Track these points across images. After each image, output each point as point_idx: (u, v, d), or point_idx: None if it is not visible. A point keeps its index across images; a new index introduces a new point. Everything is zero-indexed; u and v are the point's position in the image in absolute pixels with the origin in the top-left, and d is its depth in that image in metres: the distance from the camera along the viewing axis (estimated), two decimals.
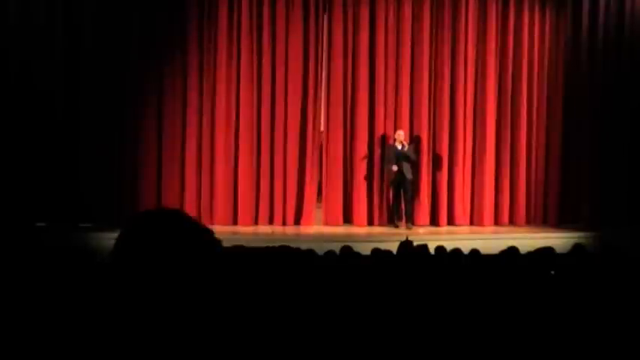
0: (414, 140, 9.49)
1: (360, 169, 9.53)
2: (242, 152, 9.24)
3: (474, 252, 4.91)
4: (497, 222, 9.71)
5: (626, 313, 3.01)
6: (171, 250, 1.36)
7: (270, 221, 9.26)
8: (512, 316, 3.01)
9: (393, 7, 9.58)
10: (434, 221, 9.61)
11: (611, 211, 9.66)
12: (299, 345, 1.36)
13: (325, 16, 9.55)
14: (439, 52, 9.67)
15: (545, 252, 4.49)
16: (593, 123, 9.76)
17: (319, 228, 9.23)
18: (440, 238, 8.14)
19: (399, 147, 9.07)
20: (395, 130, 9.32)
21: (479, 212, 9.69)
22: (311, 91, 9.41)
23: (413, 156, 9.17)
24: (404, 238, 5.49)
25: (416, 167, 9.37)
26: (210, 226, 1.49)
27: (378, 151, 9.54)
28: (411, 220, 9.17)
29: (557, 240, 7.77)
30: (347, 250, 4.84)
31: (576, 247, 4.93)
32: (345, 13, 9.50)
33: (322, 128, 9.56)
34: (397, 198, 9.28)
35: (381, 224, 9.47)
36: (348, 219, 9.50)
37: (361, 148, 9.53)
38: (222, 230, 7.96)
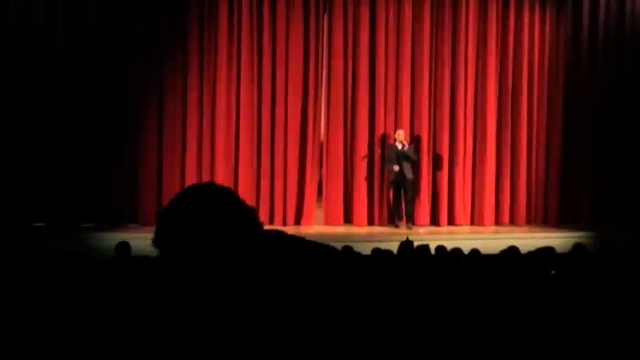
0: (415, 140, 9.49)
1: (361, 168, 9.53)
2: (242, 152, 9.24)
3: (475, 252, 4.91)
4: (497, 222, 9.71)
5: (626, 313, 3.01)
6: (215, 224, 1.36)
7: (271, 221, 9.25)
8: (512, 316, 3.01)
9: (393, 7, 9.58)
10: (434, 221, 9.61)
11: (611, 211, 9.66)
12: (299, 345, 1.36)
13: (325, 16, 9.55)
14: (439, 52, 9.67)
15: (546, 252, 4.49)
16: (594, 122, 9.75)
17: (319, 228, 9.23)
18: (440, 238, 8.13)
19: (400, 147, 9.07)
20: (395, 130, 9.32)
21: (479, 212, 9.69)
22: (311, 91, 9.41)
23: (413, 156, 9.17)
24: (404, 238, 5.49)
25: (416, 167, 9.37)
26: None
27: (378, 151, 9.53)
28: (411, 220, 9.17)
29: (558, 240, 7.77)
30: (347, 250, 4.84)
31: (576, 247, 4.93)
32: (345, 13, 9.50)
33: (322, 128, 9.56)
34: (397, 198, 9.27)
35: (381, 224, 9.47)
36: (348, 219, 9.50)
37: (361, 147, 9.53)
38: None
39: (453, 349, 2.73)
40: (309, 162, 9.40)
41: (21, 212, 8.45)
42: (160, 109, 9.10)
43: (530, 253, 4.52)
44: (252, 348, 1.34)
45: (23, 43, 8.62)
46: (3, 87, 8.57)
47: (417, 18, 9.63)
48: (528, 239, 8.01)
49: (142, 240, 6.84)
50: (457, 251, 4.77)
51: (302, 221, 9.34)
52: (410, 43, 9.60)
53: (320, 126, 9.53)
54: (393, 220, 9.36)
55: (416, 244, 5.19)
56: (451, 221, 9.63)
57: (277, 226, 9.12)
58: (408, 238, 5.53)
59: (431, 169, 9.67)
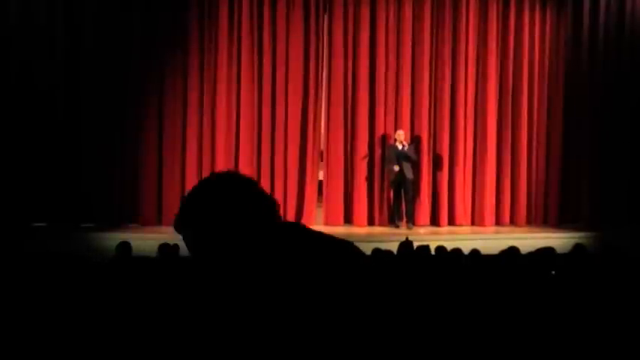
0: (415, 140, 9.49)
1: (361, 168, 9.53)
2: (242, 152, 9.24)
3: (475, 252, 4.91)
4: (497, 222, 9.70)
5: (626, 313, 3.01)
6: (233, 212, 1.37)
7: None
8: (512, 317, 3.01)
9: (393, 7, 9.58)
10: (434, 221, 9.61)
11: (611, 211, 9.66)
12: (298, 345, 1.36)
13: (326, 16, 9.55)
14: (440, 52, 9.66)
15: (546, 252, 4.49)
16: (594, 122, 9.75)
17: (319, 228, 9.19)
18: (440, 238, 8.14)
19: (400, 147, 9.06)
20: (395, 130, 9.32)
21: (480, 212, 9.69)
22: (311, 91, 9.41)
23: (413, 156, 9.16)
24: (404, 239, 5.49)
25: (416, 167, 9.37)
26: None
27: (378, 151, 9.53)
28: (411, 220, 9.17)
29: (558, 240, 7.78)
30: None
31: (577, 247, 4.93)
32: (345, 13, 9.50)
33: (322, 128, 9.56)
34: (398, 198, 9.27)
35: (381, 224, 9.47)
36: (348, 219, 9.50)
37: (361, 147, 9.53)
38: None
39: (453, 350, 2.73)
40: (309, 162, 9.40)
41: (21, 212, 8.45)
42: (160, 109, 9.10)
43: (530, 254, 4.52)
44: (254, 342, 1.34)
45: (23, 43, 8.62)
46: (3, 87, 8.56)
47: (417, 18, 9.63)
48: (528, 239, 8.01)
49: (142, 240, 6.86)
50: (457, 251, 4.77)
51: (302, 221, 9.32)
52: (410, 43, 9.60)
53: (320, 126, 9.53)
54: (393, 220, 9.36)
55: (416, 244, 5.19)
56: (451, 221, 9.63)
57: None
58: (407, 238, 5.53)
59: (431, 169, 9.66)
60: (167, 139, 9.10)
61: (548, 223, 9.78)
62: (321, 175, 9.61)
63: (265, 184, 9.25)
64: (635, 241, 7.46)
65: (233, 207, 1.39)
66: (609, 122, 9.72)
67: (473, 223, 9.68)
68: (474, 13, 9.72)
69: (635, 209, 9.62)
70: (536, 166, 9.88)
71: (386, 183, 9.45)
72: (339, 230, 9.07)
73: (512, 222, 9.76)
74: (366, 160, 9.54)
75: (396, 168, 9.03)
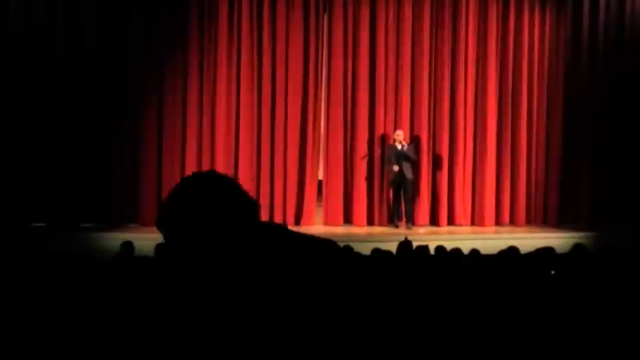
0: (414, 140, 9.50)
1: (361, 168, 9.54)
2: (242, 152, 9.24)
3: (474, 252, 4.91)
4: (497, 222, 9.71)
5: (626, 313, 3.02)
6: (213, 211, 1.37)
7: (271, 221, 9.25)
8: (512, 317, 3.01)
9: (393, 7, 9.58)
10: (434, 221, 9.61)
11: (611, 211, 9.66)
12: (298, 345, 1.36)
13: (325, 16, 9.55)
14: (439, 52, 9.67)
15: (546, 252, 4.49)
16: (594, 123, 9.76)
17: (319, 228, 9.23)
18: (440, 238, 8.14)
19: (399, 147, 9.06)
20: (395, 130, 9.32)
21: (479, 212, 9.69)
22: (311, 91, 9.41)
23: (413, 156, 9.17)
24: (403, 238, 5.49)
25: (416, 167, 9.37)
26: None
27: (378, 151, 9.54)
28: (411, 220, 9.17)
29: (558, 240, 7.77)
30: (347, 251, 4.84)
31: (576, 247, 4.93)
32: (345, 13, 9.50)
33: (322, 128, 9.56)
34: (397, 198, 9.27)
35: (381, 224, 9.47)
36: (348, 219, 9.50)
37: (361, 147, 9.53)
38: None
39: (453, 350, 2.73)
40: (309, 162, 9.41)
41: (21, 212, 8.45)
42: (159, 109, 9.11)
43: (530, 254, 4.52)
44: (234, 341, 1.34)
45: (23, 43, 8.62)
46: (3, 87, 8.56)
47: (416, 18, 9.64)
48: (528, 239, 8.02)
49: (142, 240, 6.85)
50: (456, 252, 4.77)
51: (302, 221, 9.34)
52: (410, 43, 9.61)
53: (320, 126, 9.54)
54: (392, 220, 9.36)
55: (415, 244, 5.19)
56: (451, 221, 9.63)
57: None
58: (406, 238, 5.52)
59: (430, 169, 9.67)
60: (167, 139, 9.11)
61: (547, 223, 9.78)
62: (320, 175, 9.62)
63: (265, 184, 9.27)
64: (635, 241, 7.46)
65: (213, 206, 1.40)
66: (609, 123, 9.72)
67: (472, 223, 9.69)
68: (473, 14, 9.73)
69: (635, 209, 9.62)
70: (536, 166, 9.89)
71: (385, 183, 9.45)
72: (338, 230, 9.09)
73: (512, 222, 9.76)
74: (366, 160, 9.54)
75: (396, 168, 9.03)
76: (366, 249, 5.11)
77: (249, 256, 1.40)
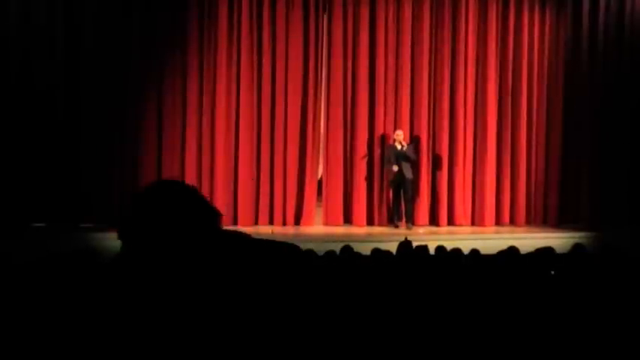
0: (414, 140, 9.50)
1: (360, 168, 9.54)
2: (242, 152, 9.24)
3: (474, 252, 4.91)
4: (497, 222, 9.71)
5: (626, 313, 3.02)
6: (174, 219, 1.37)
7: (270, 221, 9.26)
8: (512, 317, 3.01)
9: (393, 7, 9.58)
10: (434, 221, 9.62)
11: (611, 211, 9.66)
12: (297, 345, 1.36)
13: (325, 16, 9.55)
14: (439, 52, 9.67)
15: (545, 252, 4.49)
16: (594, 123, 9.76)
17: (319, 228, 9.23)
18: (440, 238, 8.14)
19: (399, 147, 9.07)
20: (394, 130, 9.32)
21: (480, 212, 9.69)
22: (311, 91, 9.41)
23: (413, 156, 9.17)
24: (404, 239, 5.49)
25: (416, 167, 9.37)
26: None
27: (378, 151, 9.54)
28: (411, 220, 9.17)
29: (557, 240, 7.77)
30: (347, 251, 4.84)
31: (576, 247, 4.93)
32: (345, 13, 9.50)
33: (322, 128, 9.56)
34: (397, 198, 9.27)
35: (381, 224, 9.47)
36: (348, 219, 9.51)
37: (361, 147, 9.53)
38: None
39: (453, 350, 2.73)
40: (308, 162, 9.41)
41: (21, 212, 8.45)
42: (159, 109, 9.11)
43: (529, 254, 4.52)
44: (213, 344, 1.34)
45: (23, 43, 8.62)
46: (3, 87, 8.56)
47: (416, 18, 9.64)
48: (528, 239, 8.02)
49: None
50: (457, 251, 4.77)
51: (302, 221, 9.34)
52: (410, 43, 9.61)
53: (320, 126, 9.54)
54: (392, 220, 9.36)
55: (415, 244, 5.18)
56: (451, 221, 9.64)
57: (277, 227, 9.15)
58: (406, 238, 5.52)
59: (430, 169, 9.67)
60: (167, 139, 9.11)
61: (547, 223, 9.79)
62: (320, 171, 9.61)
63: (265, 184, 9.27)
64: (635, 241, 7.46)
65: (173, 214, 1.40)
66: (609, 122, 9.72)
67: (473, 224, 9.69)
68: (473, 14, 9.73)
69: (635, 209, 9.62)
70: (536, 166, 9.89)
71: (385, 183, 9.46)
72: (338, 230, 9.09)
73: (512, 222, 9.77)
74: (366, 160, 9.55)
75: (395, 168, 9.04)
76: (366, 249, 5.10)
77: (209, 263, 1.40)
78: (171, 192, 1.44)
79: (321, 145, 9.55)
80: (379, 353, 2.61)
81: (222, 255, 1.42)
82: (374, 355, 2.58)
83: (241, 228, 8.90)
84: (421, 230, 9.09)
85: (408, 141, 9.29)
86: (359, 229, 9.25)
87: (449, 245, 5.12)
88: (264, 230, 8.91)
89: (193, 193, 1.47)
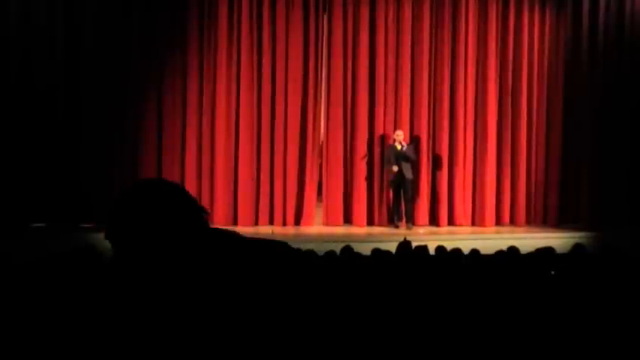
0: (414, 140, 9.50)
1: (360, 168, 9.54)
2: (242, 152, 9.24)
3: (474, 252, 4.91)
4: (497, 222, 9.71)
5: (626, 313, 3.01)
6: (161, 218, 1.36)
7: (271, 221, 9.26)
8: (512, 317, 3.01)
9: (393, 7, 9.58)
10: (434, 221, 9.61)
11: (611, 211, 9.66)
12: (297, 345, 1.36)
13: (325, 16, 9.55)
14: (439, 52, 9.67)
15: (546, 252, 4.50)
16: (594, 123, 9.76)
17: (319, 228, 9.23)
18: (440, 238, 8.14)
19: (399, 147, 9.06)
20: (395, 130, 9.32)
21: (480, 212, 9.69)
22: (311, 91, 9.41)
23: (412, 156, 9.17)
24: (403, 239, 5.49)
25: (416, 167, 9.37)
26: None
27: (378, 151, 9.54)
28: (411, 221, 9.17)
29: (558, 240, 7.77)
30: (347, 251, 4.85)
31: (576, 247, 4.93)
32: (345, 13, 9.50)
33: (322, 128, 9.56)
34: (397, 198, 9.27)
35: (381, 224, 9.47)
36: (348, 219, 9.50)
37: (361, 147, 9.53)
38: None
39: (452, 349, 2.73)
40: (309, 162, 9.41)
41: (21, 212, 8.45)
42: (159, 109, 9.11)
43: (529, 254, 4.52)
44: (204, 344, 1.33)
45: (23, 43, 8.62)
46: (3, 87, 8.56)
47: (416, 18, 9.64)
48: (528, 239, 8.01)
49: None
50: (457, 251, 4.77)
51: (302, 221, 9.34)
52: (410, 43, 9.61)
53: (320, 126, 9.54)
54: (392, 220, 9.36)
55: (415, 244, 5.18)
56: (451, 221, 9.64)
57: (277, 227, 9.14)
58: (405, 238, 5.52)
59: (430, 169, 9.67)
60: (167, 139, 9.11)
61: (547, 223, 9.79)
62: (320, 175, 9.61)
63: (265, 184, 9.27)
64: (635, 241, 7.46)
65: (160, 213, 1.39)
66: (609, 122, 9.72)
67: (473, 224, 9.69)
68: (473, 14, 9.73)
69: (635, 209, 9.62)
70: (536, 166, 9.89)
71: (385, 183, 9.45)
72: (338, 230, 9.09)
73: (512, 222, 9.76)
74: (366, 160, 9.54)
75: (395, 168, 9.04)
76: (366, 249, 5.11)
77: (200, 261, 1.39)
78: (156, 191, 1.43)
79: (322, 145, 9.55)
80: (379, 353, 2.61)
81: (209, 254, 1.41)
82: (374, 355, 2.58)
83: (241, 228, 8.93)
84: (421, 230, 9.09)
85: (408, 141, 9.29)
86: (359, 229, 9.25)
87: (449, 245, 5.12)
88: (264, 230, 8.91)
89: (178, 191, 1.46)
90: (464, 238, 8.53)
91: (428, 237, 8.14)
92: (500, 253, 4.81)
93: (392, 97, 9.56)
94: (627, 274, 3.82)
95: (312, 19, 9.42)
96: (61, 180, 8.66)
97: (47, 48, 8.70)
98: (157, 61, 9.07)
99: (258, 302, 1.36)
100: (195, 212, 1.44)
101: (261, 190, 9.27)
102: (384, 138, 9.52)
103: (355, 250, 4.86)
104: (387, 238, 7.95)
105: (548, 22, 9.94)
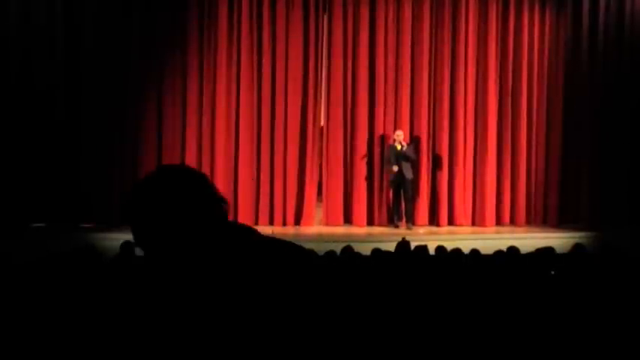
0: (414, 140, 9.50)
1: (360, 168, 9.54)
2: (242, 152, 9.24)
3: (474, 252, 4.92)
4: (498, 222, 9.70)
5: (626, 313, 3.02)
6: (181, 206, 1.35)
7: (271, 221, 9.26)
8: (512, 316, 3.01)
9: (393, 7, 9.58)
10: (434, 221, 9.61)
11: (611, 211, 9.65)
12: (297, 345, 1.36)
13: (325, 16, 9.55)
14: (439, 52, 9.67)
15: (546, 252, 4.50)
16: (594, 123, 9.75)
17: (319, 228, 9.23)
18: (440, 238, 8.13)
19: (399, 147, 9.06)
20: (395, 130, 9.32)
21: (480, 212, 9.69)
22: (311, 91, 9.41)
23: (413, 156, 9.16)
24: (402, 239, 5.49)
25: (416, 167, 9.37)
26: None
27: (378, 151, 9.54)
28: (411, 220, 9.17)
29: (558, 240, 7.77)
30: (347, 251, 4.85)
31: (576, 247, 4.94)
32: (345, 13, 9.50)
33: (322, 128, 9.56)
34: (397, 198, 9.27)
35: (381, 224, 9.47)
36: (348, 219, 9.50)
37: (361, 147, 9.53)
38: None
39: (452, 349, 2.73)
40: (309, 162, 9.41)
41: (21, 212, 8.45)
42: (159, 109, 9.11)
43: (530, 254, 4.53)
44: (201, 344, 1.33)
45: (23, 43, 8.62)
46: (3, 87, 8.56)
47: (416, 18, 9.64)
48: (528, 239, 8.01)
49: None
50: (457, 251, 4.77)
51: (302, 221, 9.34)
52: (409, 43, 9.61)
53: (320, 126, 9.54)
54: (392, 220, 9.36)
55: (415, 244, 5.19)
56: (451, 221, 9.63)
57: (277, 227, 9.14)
58: (404, 238, 5.52)
59: (430, 169, 9.67)
60: (167, 139, 9.11)
61: (547, 223, 9.78)
62: (320, 174, 9.61)
63: (265, 184, 9.27)
64: (635, 241, 7.46)
65: (181, 200, 1.36)
66: (609, 122, 9.71)
67: (473, 224, 9.68)
68: (473, 14, 9.73)
69: (635, 209, 9.62)
70: (536, 166, 9.89)
71: (385, 183, 9.45)
72: (338, 230, 9.09)
73: (512, 222, 9.76)
74: (366, 160, 9.55)
75: (395, 168, 9.03)
76: (366, 249, 5.11)
77: (218, 256, 1.38)
78: (179, 177, 1.40)
79: (322, 145, 9.55)
80: (379, 353, 2.61)
81: (227, 251, 1.40)
82: (374, 354, 2.58)
83: None
84: (421, 230, 9.09)
85: (408, 141, 9.29)
86: (359, 229, 9.25)
87: (449, 245, 5.12)
88: (264, 230, 8.89)
89: (201, 179, 1.43)
90: (464, 238, 8.52)
91: (428, 237, 8.14)
92: (500, 253, 4.82)
93: (392, 97, 9.56)
94: (627, 274, 3.83)
95: (312, 19, 9.42)
96: (61, 180, 8.67)
97: (47, 48, 8.70)
98: (157, 61, 9.07)
99: (258, 302, 1.36)
100: (216, 202, 1.42)
101: (261, 190, 9.27)
102: (384, 138, 9.52)
103: (355, 250, 4.87)
104: (387, 238, 7.94)
105: (548, 22, 9.94)
